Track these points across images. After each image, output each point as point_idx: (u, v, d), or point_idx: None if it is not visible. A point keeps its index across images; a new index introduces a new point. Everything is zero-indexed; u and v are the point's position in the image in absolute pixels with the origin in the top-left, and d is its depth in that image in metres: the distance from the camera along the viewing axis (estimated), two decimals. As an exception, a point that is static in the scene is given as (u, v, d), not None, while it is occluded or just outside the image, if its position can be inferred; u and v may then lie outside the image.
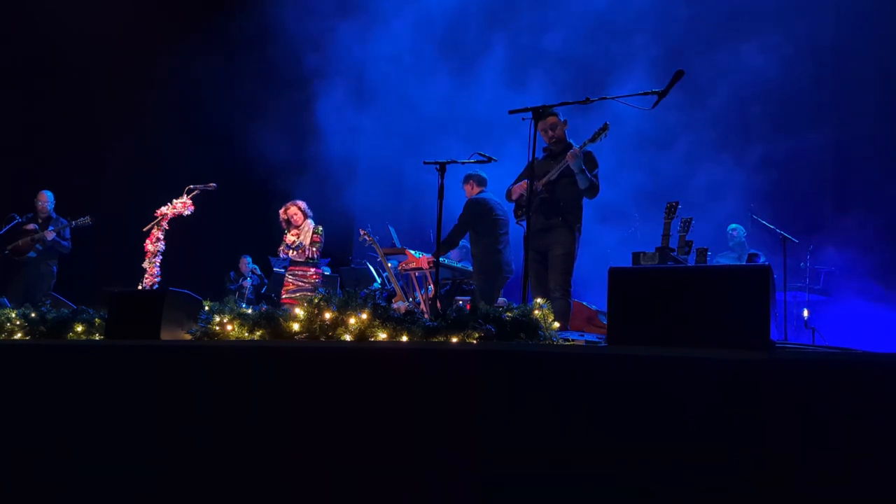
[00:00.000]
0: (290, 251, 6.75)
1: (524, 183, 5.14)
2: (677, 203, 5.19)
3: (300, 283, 6.72)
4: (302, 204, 6.89)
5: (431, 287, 6.29)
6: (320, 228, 6.80)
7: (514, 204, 5.47)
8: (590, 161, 5.13)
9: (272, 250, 10.63)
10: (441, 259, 5.55)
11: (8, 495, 3.68)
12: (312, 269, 6.74)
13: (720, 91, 8.34)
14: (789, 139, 8.17)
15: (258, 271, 10.07)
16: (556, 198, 5.08)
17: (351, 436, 2.96)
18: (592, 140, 4.99)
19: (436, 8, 9.36)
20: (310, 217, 6.83)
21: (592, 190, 5.08)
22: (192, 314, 3.90)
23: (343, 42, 9.53)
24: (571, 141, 5.20)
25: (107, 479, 3.47)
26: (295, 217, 6.82)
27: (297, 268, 6.75)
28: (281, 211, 6.90)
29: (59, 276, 7.79)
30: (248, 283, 9.82)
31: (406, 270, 6.80)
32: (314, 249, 6.69)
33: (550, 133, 5.19)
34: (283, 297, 6.77)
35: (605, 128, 4.98)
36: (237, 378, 3.30)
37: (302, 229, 6.79)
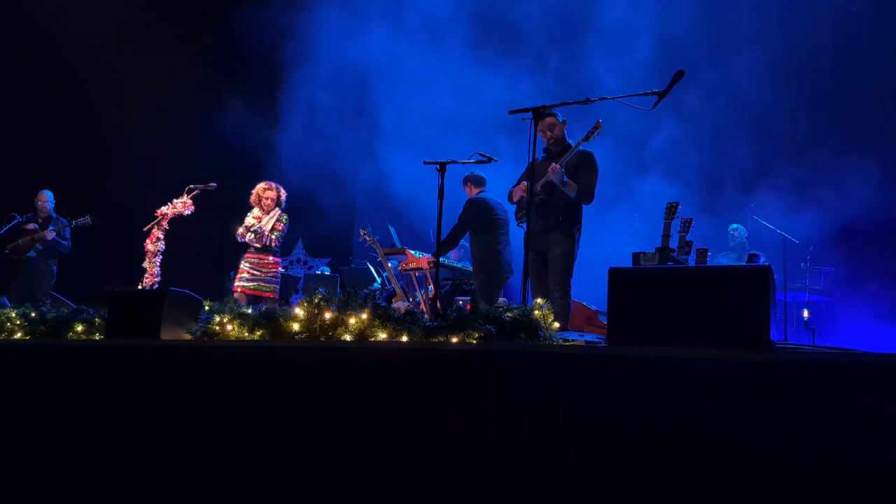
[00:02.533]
0: (249, 234, 6.31)
1: (524, 185, 5.13)
2: (677, 203, 5.18)
3: (255, 273, 6.30)
4: (283, 192, 6.51)
5: (431, 287, 6.29)
6: (285, 217, 6.46)
7: (514, 205, 5.47)
8: (588, 162, 5.10)
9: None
10: (441, 259, 5.56)
11: (8, 495, 3.68)
12: (271, 258, 6.37)
13: (720, 90, 8.35)
14: (789, 137, 8.18)
15: None
16: (555, 199, 5.06)
17: (351, 436, 2.96)
18: (586, 139, 4.98)
19: (435, 7, 9.36)
20: (282, 209, 6.48)
21: (583, 196, 5.05)
22: (192, 314, 3.89)
23: (343, 42, 9.53)
24: (570, 141, 5.19)
25: (107, 479, 3.46)
26: (268, 202, 6.42)
27: (252, 255, 6.34)
28: (259, 188, 6.47)
29: (59, 276, 7.79)
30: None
31: (406, 270, 6.80)
32: (273, 237, 6.32)
33: (549, 133, 5.17)
34: (235, 284, 6.32)
35: (597, 126, 4.96)
36: (237, 378, 3.30)
37: (267, 215, 6.41)
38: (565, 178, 4.96)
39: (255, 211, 6.46)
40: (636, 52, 8.44)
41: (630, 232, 7.96)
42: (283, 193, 6.54)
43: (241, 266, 6.39)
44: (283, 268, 10.41)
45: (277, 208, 6.46)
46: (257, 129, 9.07)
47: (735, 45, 8.43)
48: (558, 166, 4.92)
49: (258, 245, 6.32)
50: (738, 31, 8.51)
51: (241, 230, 6.39)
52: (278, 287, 6.43)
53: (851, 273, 7.50)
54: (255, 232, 6.30)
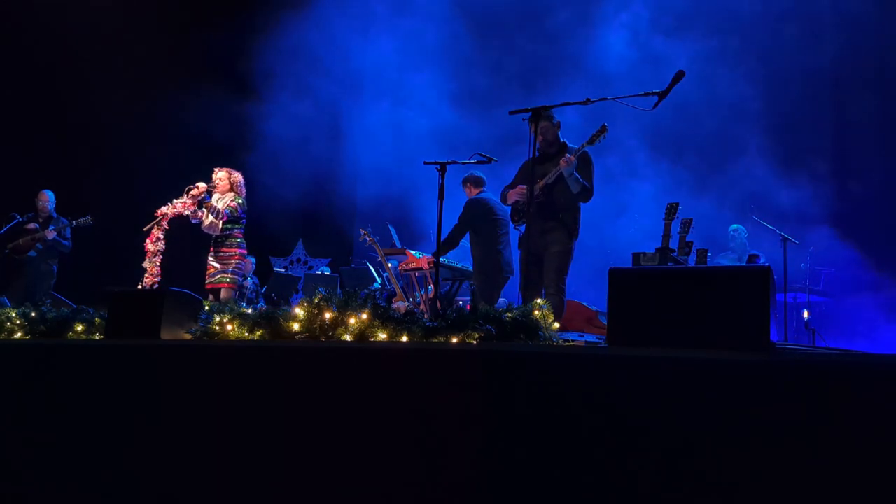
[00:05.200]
0: (208, 217, 6.07)
1: (521, 188, 5.12)
2: (677, 204, 5.19)
3: (217, 266, 6.13)
4: (238, 176, 6.29)
5: (431, 287, 6.29)
6: (241, 199, 6.23)
7: (509, 206, 5.45)
8: (586, 163, 5.09)
9: (273, 250, 10.68)
10: (441, 259, 5.55)
11: (8, 495, 3.68)
12: (236, 251, 6.17)
13: (721, 90, 8.35)
14: (790, 138, 8.17)
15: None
16: (553, 200, 5.06)
17: (351, 436, 2.96)
18: (590, 142, 4.97)
19: (436, 7, 9.36)
20: (239, 195, 6.24)
21: (584, 193, 5.06)
22: (192, 314, 3.90)
23: (343, 42, 9.53)
24: (566, 140, 5.18)
25: (107, 479, 3.46)
26: (220, 183, 6.21)
27: (218, 248, 6.17)
28: (214, 172, 6.28)
29: (59, 276, 7.79)
30: (248, 283, 9.82)
31: (406, 270, 6.79)
32: (222, 210, 6.06)
33: (540, 137, 5.12)
34: (206, 282, 6.15)
35: (602, 129, 4.95)
36: (237, 378, 3.30)
37: (219, 198, 6.19)
38: (576, 173, 4.96)
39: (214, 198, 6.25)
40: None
41: (630, 232, 7.96)
42: (238, 177, 6.30)
43: (208, 261, 6.21)
44: (284, 267, 10.44)
45: (231, 192, 6.24)
46: (257, 130, 9.07)
47: (735, 42, 8.42)
48: (572, 158, 4.91)
49: (218, 231, 6.11)
50: (739, 26, 8.49)
51: (199, 214, 6.14)
52: (240, 279, 6.26)
53: (851, 274, 7.49)
54: (210, 211, 6.06)
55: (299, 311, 3.52)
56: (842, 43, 8.12)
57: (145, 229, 6.17)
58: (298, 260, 10.94)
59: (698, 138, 8.34)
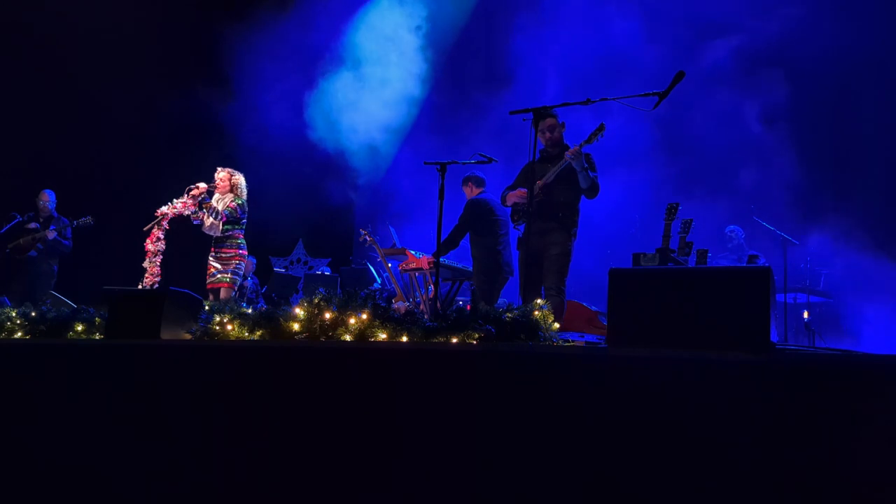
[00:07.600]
0: (208, 218, 6.11)
1: (521, 191, 5.12)
2: (678, 204, 5.18)
3: (216, 266, 6.17)
4: (239, 178, 6.31)
5: (431, 287, 6.28)
6: (241, 200, 6.25)
7: (509, 208, 5.46)
8: (589, 161, 5.10)
9: (273, 250, 10.68)
10: (441, 259, 5.54)
11: (7, 495, 3.68)
12: (236, 251, 6.20)
13: (721, 91, 8.35)
14: (791, 137, 8.17)
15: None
16: (553, 200, 5.05)
17: (351, 436, 2.96)
18: (588, 141, 4.96)
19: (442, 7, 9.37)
20: (240, 197, 6.27)
21: (593, 189, 5.04)
22: (193, 314, 3.90)
23: (345, 41, 9.53)
24: (568, 143, 5.19)
25: (106, 479, 3.46)
26: (221, 183, 6.24)
27: (218, 248, 6.21)
28: (216, 172, 6.32)
29: (59, 276, 7.79)
30: (248, 283, 9.82)
31: (406, 271, 6.79)
32: (221, 210, 6.10)
33: (548, 135, 5.13)
34: (207, 281, 6.20)
35: (600, 128, 4.93)
36: (237, 378, 3.30)
37: (219, 199, 6.23)
38: (585, 163, 4.95)
39: (214, 199, 6.29)
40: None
41: (630, 233, 7.96)
42: (239, 179, 6.31)
43: (209, 261, 6.23)
44: (284, 268, 10.43)
45: (231, 193, 6.25)
46: (257, 129, 9.06)
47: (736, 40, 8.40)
48: (578, 148, 4.89)
49: (218, 232, 6.14)
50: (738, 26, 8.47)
51: (200, 215, 6.16)
52: (239, 279, 6.28)
53: (852, 274, 7.49)
54: (210, 212, 6.09)
55: (299, 311, 3.52)
56: (841, 37, 8.10)
57: (145, 229, 6.18)
58: (298, 260, 10.93)
59: (699, 138, 8.33)
